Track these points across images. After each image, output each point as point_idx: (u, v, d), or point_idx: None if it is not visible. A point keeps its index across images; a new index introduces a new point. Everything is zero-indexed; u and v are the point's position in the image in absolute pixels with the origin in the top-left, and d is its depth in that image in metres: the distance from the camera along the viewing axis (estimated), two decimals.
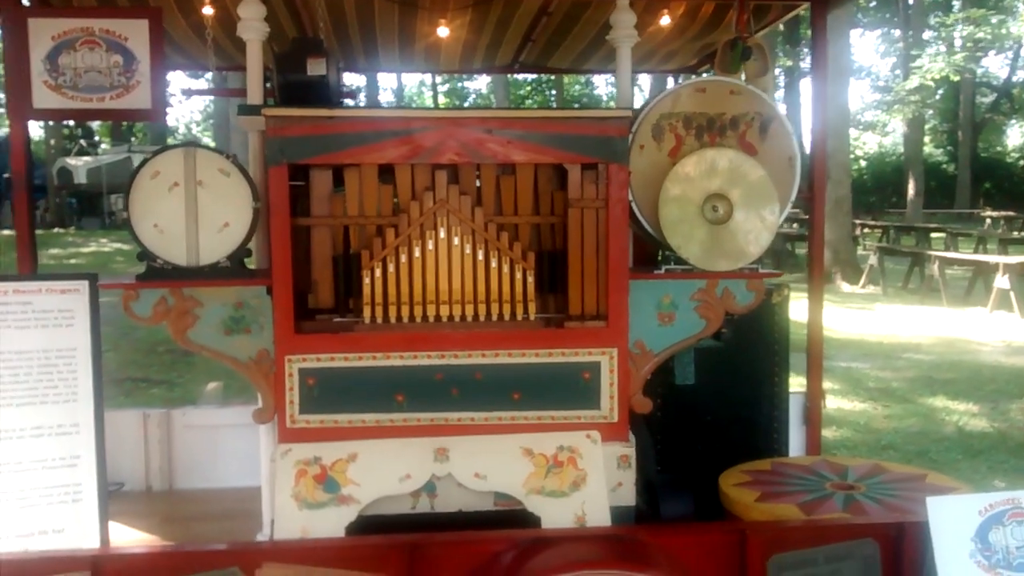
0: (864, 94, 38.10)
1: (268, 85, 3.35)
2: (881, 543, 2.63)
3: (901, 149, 35.01)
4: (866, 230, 23.27)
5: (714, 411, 3.44)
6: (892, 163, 37.81)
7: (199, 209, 2.81)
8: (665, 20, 4.03)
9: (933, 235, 20.56)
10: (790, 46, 27.69)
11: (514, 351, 2.89)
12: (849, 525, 2.69)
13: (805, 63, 29.28)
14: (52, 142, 28.98)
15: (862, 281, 15.71)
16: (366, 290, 2.84)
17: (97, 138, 35.32)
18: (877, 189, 36.93)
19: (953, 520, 2.58)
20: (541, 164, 2.91)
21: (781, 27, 3.87)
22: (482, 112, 2.91)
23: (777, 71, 25.07)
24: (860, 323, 11.82)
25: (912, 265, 15.67)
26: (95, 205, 26.93)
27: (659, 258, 3.25)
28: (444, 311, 2.88)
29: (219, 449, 3.90)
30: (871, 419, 7.23)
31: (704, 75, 4.68)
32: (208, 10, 3.64)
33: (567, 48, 4.79)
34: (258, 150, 3.15)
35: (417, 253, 2.86)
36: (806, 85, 29.67)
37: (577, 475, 2.86)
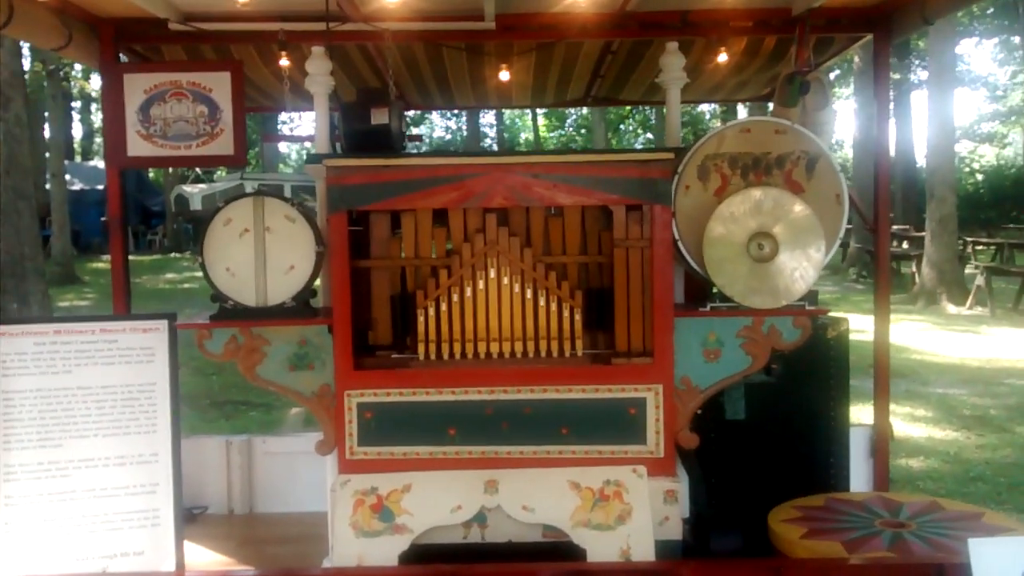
0: (981, 105, 36.70)
1: (337, 132, 3.56)
2: None
3: (1022, 161, 33.59)
4: (979, 248, 22.38)
5: (767, 446, 3.46)
6: (1012, 175, 36.24)
7: (267, 253, 3.01)
8: (723, 57, 4.08)
9: None
10: (898, 59, 26.95)
11: (562, 387, 3.00)
12: (887, 565, 2.69)
13: (915, 75, 28.48)
14: (170, 170, 30.37)
15: (968, 302, 15.16)
16: (420, 328, 3.00)
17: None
18: (995, 203, 35.40)
19: (997, 562, 2.55)
20: (588, 205, 3.02)
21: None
22: (528, 157, 3.04)
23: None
24: (963, 347, 11.41)
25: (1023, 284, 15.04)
26: None
27: (712, 293, 3.30)
28: (495, 348, 3.01)
29: (296, 475, 4.10)
30: (962, 449, 7.00)
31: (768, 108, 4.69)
32: (284, 61, 3.87)
33: (636, 82, 4.88)
34: (323, 196, 3.35)
35: (469, 292, 3.00)
36: (918, 98, 28.82)
37: (623, 509, 2.93)
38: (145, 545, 3.06)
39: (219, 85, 3.86)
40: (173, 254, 26.17)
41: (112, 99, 3.82)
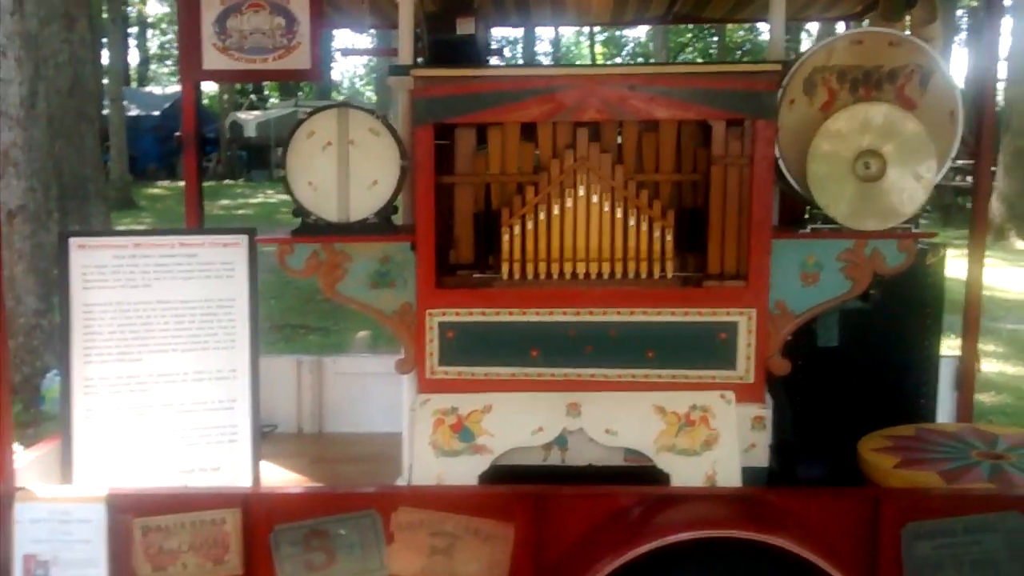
0: None
1: (420, 44, 3.44)
2: None
3: None
4: None
5: (858, 375, 3.33)
6: None
7: (350, 167, 2.92)
8: None
9: None
10: None
11: (650, 309, 2.90)
12: (993, 495, 2.58)
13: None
14: (225, 97, 30.49)
15: None
16: (505, 247, 2.90)
17: (266, 92, 36.89)
18: None
19: None
20: (684, 121, 2.88)
21: None
22: (625, 68, 2.92)
23: (960, 12, 23.41)
24: None
25: None
26: (263, 158, 28.27)
27: (806, 216, 3.16)
28: (581, 268, 2.91)
29: (366, 396, 4.08)
30: None
31: (864, 24, 4.47)
32: None
33: None
34: (407, 109, 3.25)
35: (556, 211, 2.89)
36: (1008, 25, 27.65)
37: (709, 434, 2.85)
38: (222, 461, 3.06)
39: None
40: (227, 181, 26.37)
41: (188, 10, 3.73)
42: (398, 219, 3.12)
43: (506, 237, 2.90)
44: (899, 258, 2.90)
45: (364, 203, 2.93)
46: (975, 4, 26.66)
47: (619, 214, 2.89)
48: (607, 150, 2.89)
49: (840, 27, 5.33)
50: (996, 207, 15.53)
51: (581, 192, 2.89)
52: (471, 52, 3.17)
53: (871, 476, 2.90)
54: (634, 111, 2.84)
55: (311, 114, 2.94)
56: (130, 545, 2.56)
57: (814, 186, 2.86)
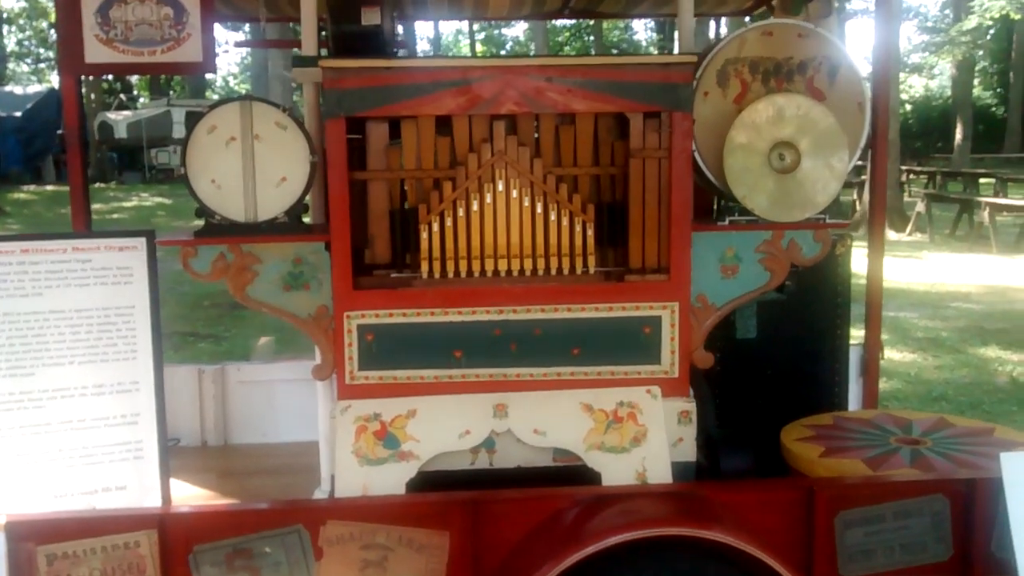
0: (911, 35, 37.07)
1: (322, 36, 3.29)
2: (951, 499, 2.59)
3: (948, 92, 34.14)
4: (912, 176, 22.81)
5: (775, 365, 3.38)
6: (939, 107, 36.95)
7: (256, 164, 2.77)
8: None
9: (982, 181, 20.10)
10: None
11: (573, 306, 2.84)
12: (919, 481, 2.64)
13: (851, 3, 28.52)
14: (92, 96, 29.14)
15: (909, 228, 15.46)
16: (423, 245, 2.80)
17: (136, 92, 35.46)
18: (923, 134, 36.13)
19: None
20: (602, 113, 2.84)
21: None
22: (541, 60, 2.85)
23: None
24: (907, 272, 11.64)
25: (960, 212, 15.37)
26: (136, 159, 27.16)
27: (718, 208, 3.17)
28: (502, 265, 2.83)
29: (273, 404, 3.91)
30: (921, 370, 7.13)
31: (750, 20, 4.54)
32: None
33: None
34: (313, 103, 3.10)
35: (475, 206, 2.81)
36: (852, 27, 28.91)
37: (637, 431, 2.82)
38: (128, 479, 2.85)
39: None
40: (98, 184, 25.19)
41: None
42: (309, 218, 2.98)
43: (424, 235, 2.80)
44: (815, 248, 2.94)
45: (272, 201, 2.78)
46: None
47: (539, 209, 2.83)
48: (525, 143, 2.82)
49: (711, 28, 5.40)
50: (868, 199, 16.24)
51: (500, 187, 2.81)
52: (378, 43, 3.05)
53: (796, 466, 2.93)
54: (551, 103, 2.78)
55: (212, 107, 2.77)
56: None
57: (731, 178, 2.86)
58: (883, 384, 6.56)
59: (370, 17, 3.02)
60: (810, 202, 2.87)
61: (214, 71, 3.70)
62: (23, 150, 26.29)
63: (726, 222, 2.92)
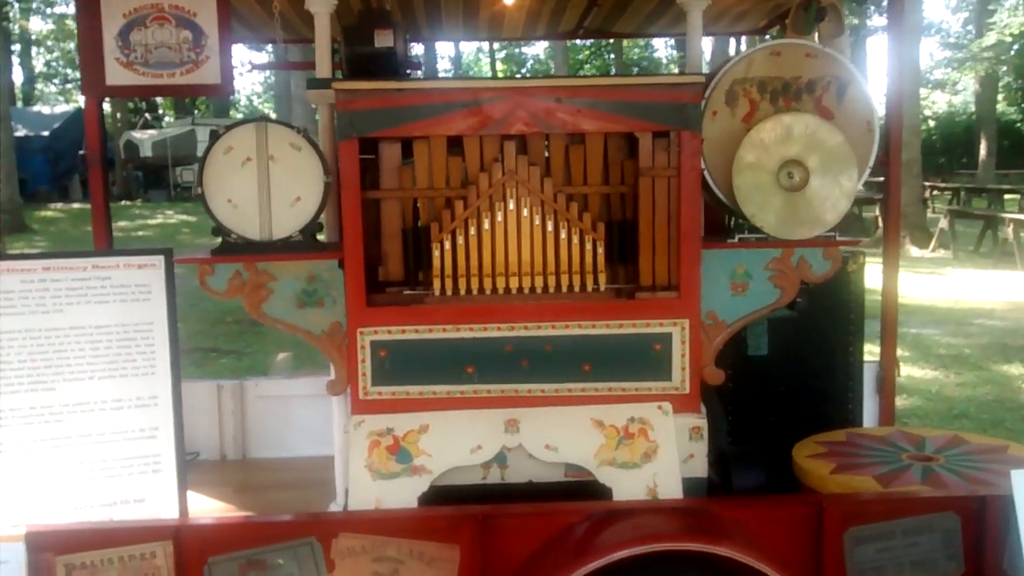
0: (933, 51, 36.91)
1: (336, 58, 3.35)
2: (963, 516, 2.59)
3: (972, 108, 33.93)
4: (936, 192, 22.67)
5: (787, 382, 3.39)
6: (963, 123, 36.67)
7: (271, 183, 2.83)
8: None
9: (1006, 197, 19.95)
10: (856, 3, 26.90)
11: (584, 322, 2.88)
12: (929, 498, 2.64)
13: (873, 20, 28.46)
14: (118, 116, 29.53)
15: (932, 245, 15.36)
16: (435, 262, 2.84)
17: (161, 111, 35.91)
18: (946, 150, 35.88)
19: None
20: (611, 133, 2.88)
21: None
22: (551, 81, 2.90)
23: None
24: (930, 288, 11.56)
25: (984, 228, 15.25)
26: (161, 178, 27.44)
27: (729, 226, 3.19)
28: (514, 283, 2.87)
29: (291, 419, 3.96)
30: (943, 387, 7.08)
31: (771, 38, 4.56)
32: None
33: (633, 12, 4.69)
34: (327, 124, 3.16)
35: (486, 225, 2.85)
36: (873, 44, 28.87)
37: (648, 446, 2.84)
38: (146, 492, 2.90)
39: (203, 9, 3.60)
40: (124, 202, 25.51)
41: (88, 23, 3.55)
42: (323, 237, 3.04)
43: (436, 252, 2.84)
44: (825, 265, 2.95)
45: (287, 220, 2.84)
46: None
47: (549, 227, 2.86)
48: (535, 163, 2.86)
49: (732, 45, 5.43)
50: None
51: (511, 206, 2.86)
52: (391, 65, 3.11)
53: (807, 482, 2.93)
54: (561, 124, 2.82)
55: (228, 129, 2.84)
56: None
57: (740, 197, 2.89)
58: (904, 401, 6.54)
59: (383, 40, 3.09)
60: (819, 220, 2.90)
61: (232, 93, 3.77)
62: (51, 169, 26.68)
63: (736, 240, 2.94)
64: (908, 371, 7.45)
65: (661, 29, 5.07)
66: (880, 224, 16.37)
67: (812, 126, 2.87)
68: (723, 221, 3.29)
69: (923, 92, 34.70)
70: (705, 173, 2.95)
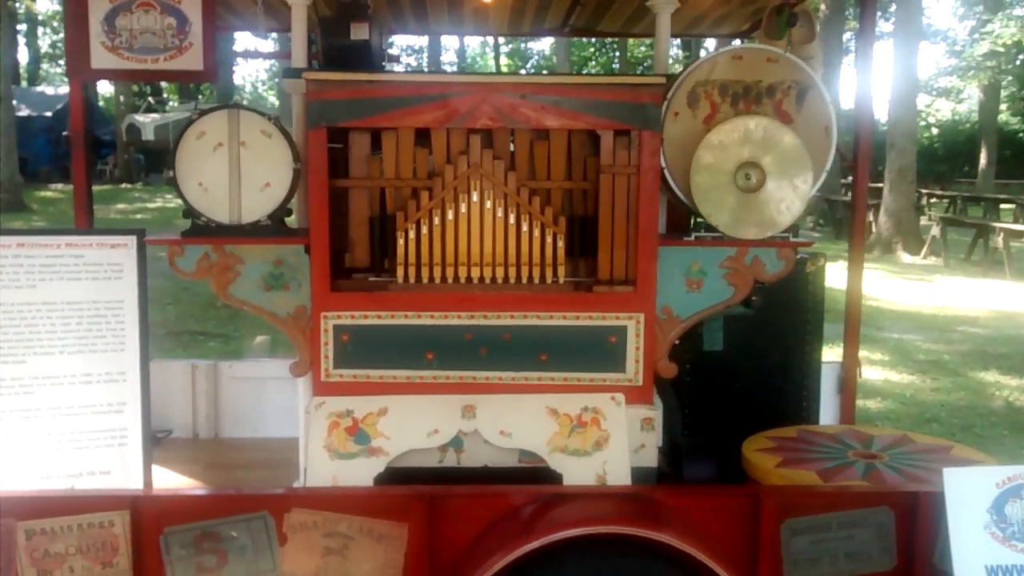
0: (940, 59, 36.91)
1: (315, 49, 3.43)
2: (897, 512, 2.68)
3: (976, 116, 33.95)
4: (932, 200, 22.73)
5: (743, 378, 3.47)
6: (966, 131, 36.70)
7: (242, 169, 2.91)
8: None
9: (1002, 206, 20.01)
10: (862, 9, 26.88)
11: (542, 313, 2.96)
12: (864, 492, 2.73)
13: (879, 27, 28.49)
14: (122, 99, 29.59)
15: (923, 252, 15.42)
16: (400, 251, 2.93)
17: (165, 95, 35.97)
18: (948, 158, 35.93)
19: (970, 491, 2.61)
20: (575, 130, 2.96)
21: None
22: (516, 78, 2.99)
23: (848, 35, 24.43)
24: (918, 295, 11.65)
25: (976, 237, 15.31)
26: (162, 161, 27.44)
27: (691, 225, 3.28)
28: (475, 273, 2.95)
29: (263, 400, 4.04)
30: (917, 392, 7.16)
31: (738, 42, 4.64)
32: None
33: (616, 12, 4.77)
34: (301, 113, 3.24)
35: (450, 216, 2.93)
36: (880, 49, 28.90)
37: (600, 435, 2.93)
38: (112, 464, 2.99)
39: None
40: (124, 184, 25.60)
41: (75, 7, 3.64)
42: (293, 222, 3.12)
43: (401, 241, 2.93)
44: (778, 265, 3.03)
45: (256, 205, 2.92)
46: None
47: (512, 220, 2.95)
48: (500, 157, 2.94)
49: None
50: (884, 222, 16.24)
51: (475, 198, 2.94)
52: (365, 57, 3.19)
53: (753, 475, 3.02)
54: (525, 119, 2.91)
55: (201, 114, 2.92)
56: (13, 549, 2.49)
57: (697, 196, 2.97)
58: (877, 404, 6.64)
59: (359, 32, 3.16)
60: (773, 221, 2.98)
61: (215, 80, 3.85)
62: (52, 149, 26.76)
63: (692, 237, 3.03)
64: (885, 375, 7.55)
65: (644, 29, 5.14)
66: (873, 229, 16.47)
67: (769, 129, 2.95)
68: (687, 219, 3.37)
69: (927, 99, 34.76)
70: (666, 172, 3.03)
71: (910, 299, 11.23)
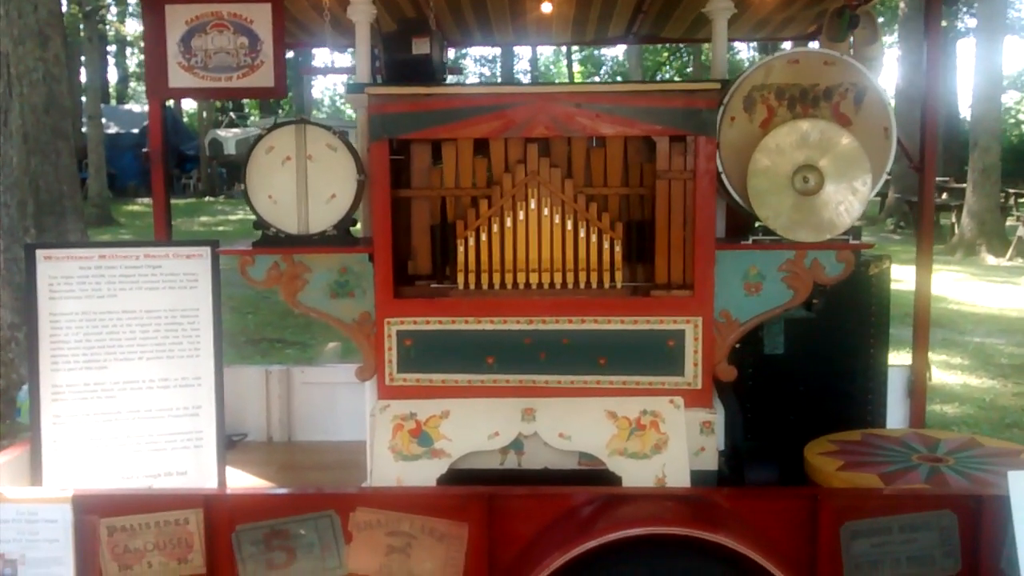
0: None
1: (378, 64, 3.54)
2: (960, 515, 2.64)
3: None
4: (1020, 200, 21.97)
5: (805, 382, 3.45)
6: None
7: (309, 181, 3.02)
8: None
9: None
10: (946, 5, 26.23)
11: (600, 318, 3.01)
12: (925, 495, 2.70)
13: (963, 23, 27.78)
14: (204, 115, 30.51)
15: (1008, 254, 14.94)
16: (460, 258, 3.01)
17: (247, 111, 36.94)
18: None
19: None
20: (630, 136, 3.00)
21: None
22: (571, 87, 3.03)
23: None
24: (1002, 297, 11.29)
25: None
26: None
27: (755, 228, 3.28)
28: (534, 279, 3.02)
29: (335, 404, 4.16)
30: (998, 396, 6.96)
31: (788, 45, 4.60)
32: None
33: (679, 19, 4.80)
34: (364, 126, 3.35)
35: (509, 223, 3.01)
36: (964, 46, 28.19)
37: (659, 438, 2.96)
38: (188, 465, 3.14)
39: (259, 16, 3.85)
40: (207, 198, 26.39)
41: (154, 30, 3.83)
42: (358, 232, 3.23)
43: (461, 249, 3.01)
44: (838, 268, 3.02)
45: (323, 216, 3.03)
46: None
47: (569, 226, 3.00)
48: (557, 165, 3.01)
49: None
50: (967, 223, 15.81)
51: (533, 205, 3.00)
52: (426, 71, 3.29)
53: (815, 479, 3.01)
54: (580, 128, 2.96)
55: (270, 130, 3.05)
56: (96, 545, 2.64)
57: (754, 199, 2.98)
58: (955, 409, 6.48)
59: (420, 47, 3.26)
60: (832, 223, 2.97)
61: (285, 95, 3.99)
62: (139, 165, 27.70)
63: (750, 241, 3.04)
64: (965, 379, 7.36)
65: (708, 35, 5.14)
66: (956, 231, 16.03)
67: (827, 132, 2.95)
68: (748, 223, 3.37)
69: (1017, 96, 33.60)
70: (723, 177, 3.05)
71: (993, 302, 10.90)
